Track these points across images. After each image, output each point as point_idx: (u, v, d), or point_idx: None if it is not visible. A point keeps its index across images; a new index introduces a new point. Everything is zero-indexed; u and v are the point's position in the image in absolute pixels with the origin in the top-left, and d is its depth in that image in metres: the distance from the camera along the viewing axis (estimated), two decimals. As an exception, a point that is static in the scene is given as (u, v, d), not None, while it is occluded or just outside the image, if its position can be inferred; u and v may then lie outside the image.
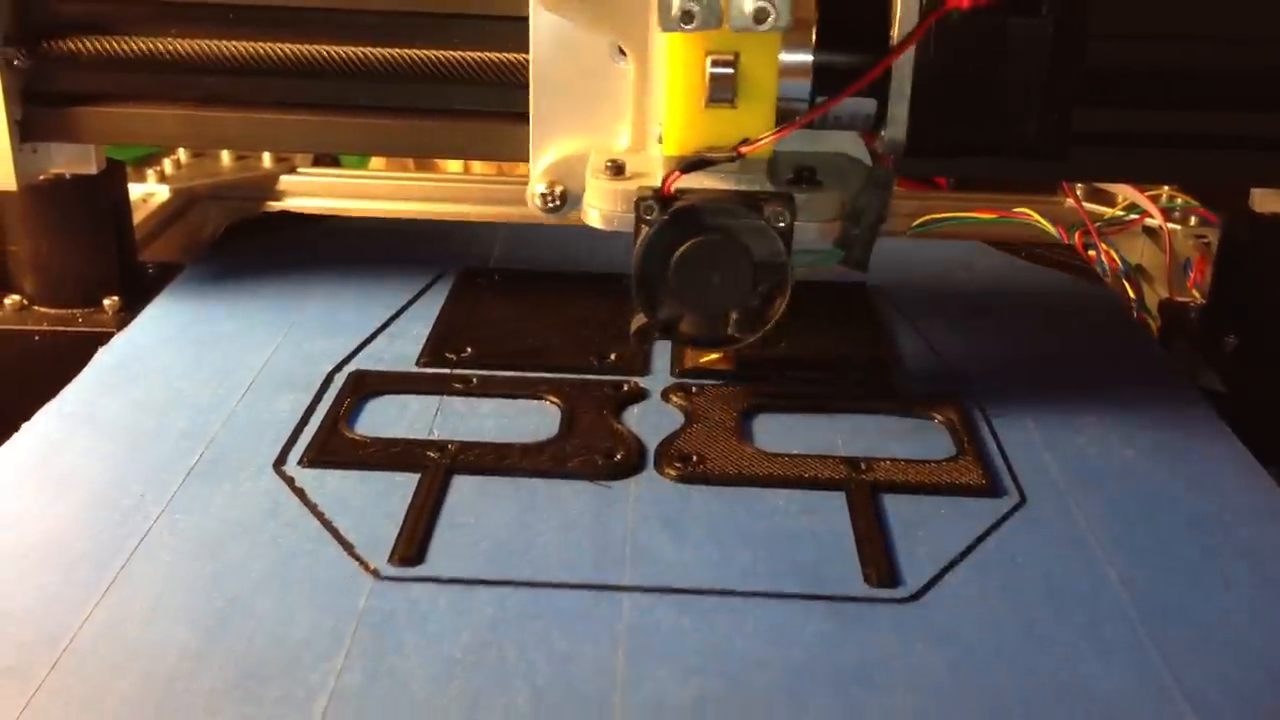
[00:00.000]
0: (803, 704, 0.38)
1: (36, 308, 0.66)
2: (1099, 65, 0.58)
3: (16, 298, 0.66)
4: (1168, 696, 0.39)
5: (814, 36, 0.49)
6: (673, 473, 0.50)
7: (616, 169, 0.53)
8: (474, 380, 0.57)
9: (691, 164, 0.50)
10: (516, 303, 0.66)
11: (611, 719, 0.37)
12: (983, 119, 0.49)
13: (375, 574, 0.43)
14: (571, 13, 0.54)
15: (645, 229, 0.50)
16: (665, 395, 0.56)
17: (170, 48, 0.61)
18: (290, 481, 0.48)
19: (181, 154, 0.93)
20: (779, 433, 0.54)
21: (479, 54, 0.61)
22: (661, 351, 0.60)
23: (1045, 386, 0.59)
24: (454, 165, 1.08)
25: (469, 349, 0.60)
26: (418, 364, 0.59)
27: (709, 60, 0.49)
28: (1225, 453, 0.54)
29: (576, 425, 0.53)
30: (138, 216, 0.78)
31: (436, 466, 0.49)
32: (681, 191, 0.50)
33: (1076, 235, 0.83)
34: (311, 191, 0.93)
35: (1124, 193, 0.88)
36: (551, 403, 0.55)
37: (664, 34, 0.48)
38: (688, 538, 0.46)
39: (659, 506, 0.48)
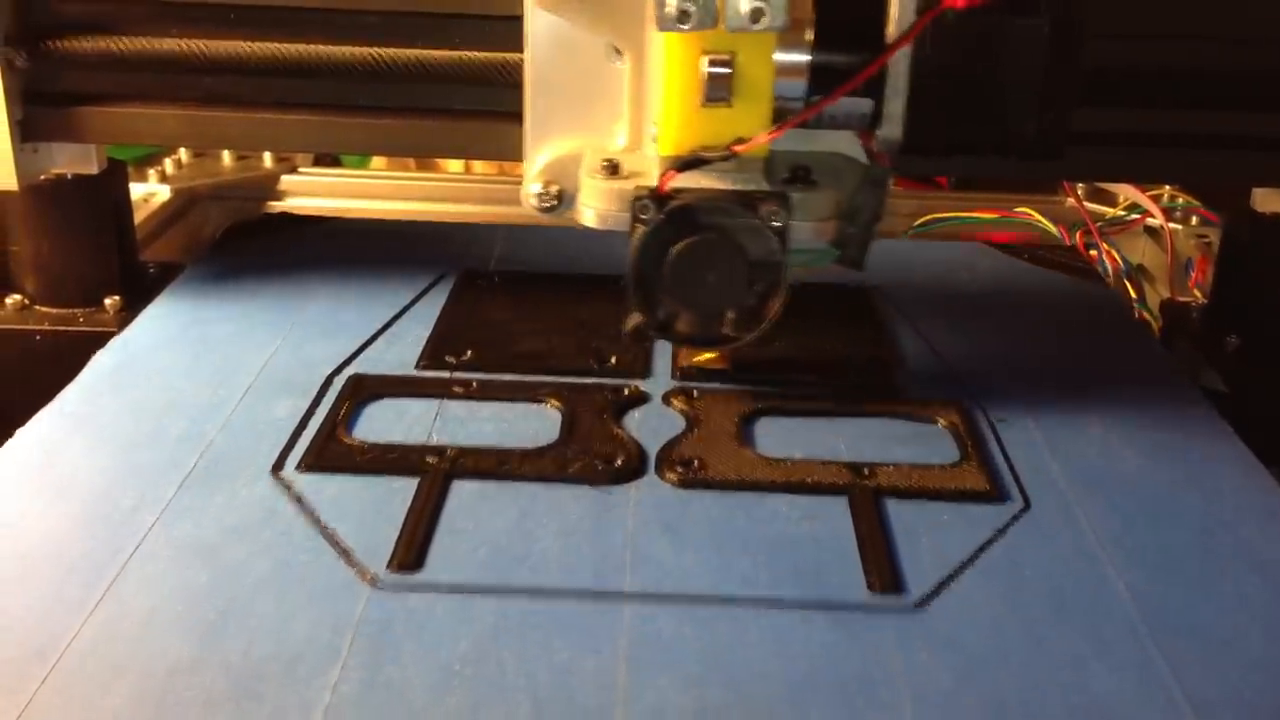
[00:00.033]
0: (805, 713, 0.37)
1: (38, 307, 0.66)
2: (1101, 65, 0.58)
3: (18, 297, 0.66)
4: (1173, 705, 0.38)
5: (810, 36, 0.49)
6: (673, 478, 0.49)
7: (612, 168, 0.53)
8: (474, 384, 0.56)
9: (687, 163, 0.50)
10: (517, 305, 0.65)
11: (612, 730, 0.37)
12: (979, 118, 0.49)
13: (373, 582, 0.42)
14: (568, 12, 0.54)
15: (641, 228, 0.50)
16: (666, 399, 0.56)
17: (171, 48, 0.61)
18: (288, 487, 0.48)
19: (182, 154, 0.93)
20: (781, 437, 0.53)
21: (480, 54, 0.60)
22: (662, 355, 0.59)
23: (1048, 388, 0.58)
24: (455, 165, 1.08)
25: (469, 352, 0.59)
26: (417, 367, 0.58)
27: (705, 60, 0.49)
28: (1227, 454, 0.54)
29: (577, 429, 0.52)
30: (139, 216, 0.78)
31: (435, 472, 0.49)
32: (677, 191, 0.50)
33: (1078, 235, 0.83)
34: (312, 191, 0.93)
35: (1125, 192, 0.88)
36: (552, 406, 0.55)
37: (660, 33, 0.48)
38: (689, 544, 0.45)
39: (660, 512, 0.47)
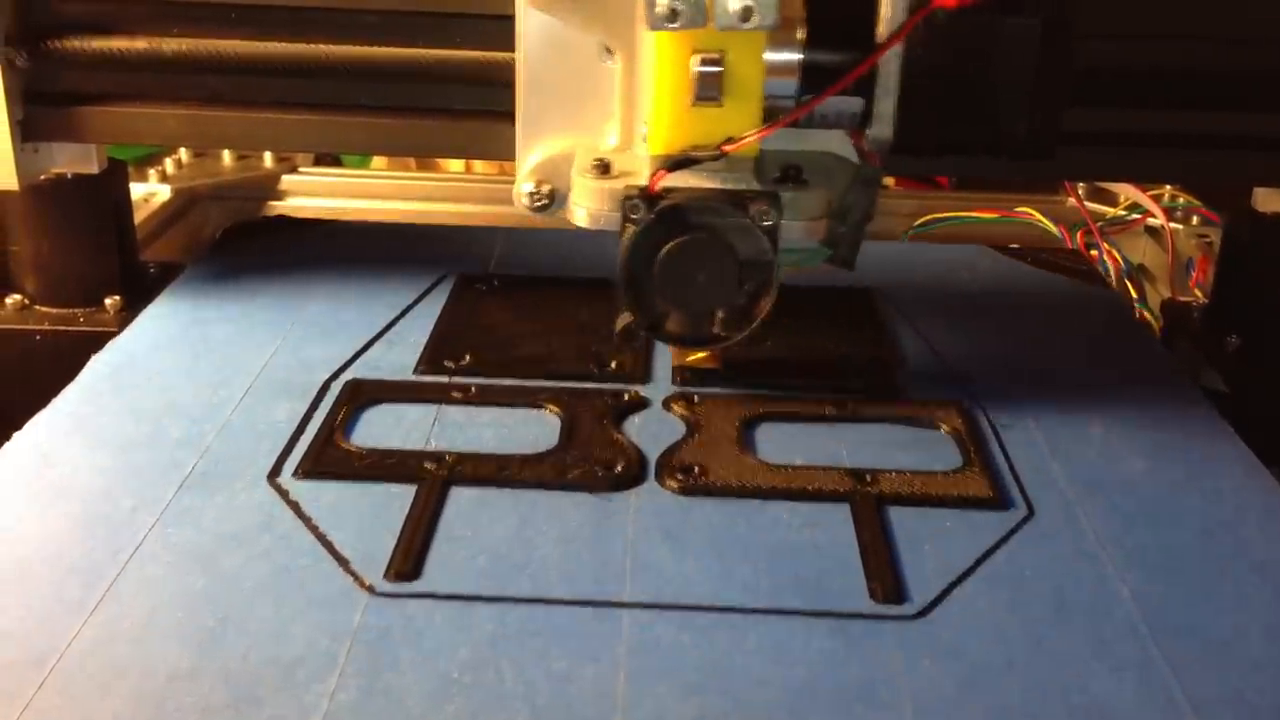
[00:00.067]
0: (806, 723, 0.37)
1: (38, 307, 0.66)
2: (1100, 65, 0.58)
3: (18, 297, 0.66)
4: (1174, 706, 0.38)
5: (801, 35, 0.49)
6: (674, 484, 0.49)
7: (603, 168, 0.53)
8: (472, 389, 0.56)
9: (677, 163, 0.50)
10: (516, 309, 0.65)
11: (612, 740, 0.36)
12: (970, 117, 0.49)
13: (371, 590, 0.42)
14: (559, 12, 0.54)
15: (631, 228, 0.50)
16: (666, 404, 0.55)
17: (172, 47, 0.61)
18: (285, 494, 0.47)
19: (183, 153, 0.93)
20: (782, 442, 0.53)
21: (480, 54, 0.60)
22: (662, 359, 0.59)
23: (1049, 390, 0.58)
24: (455, 165, 1.08)
25: (467, 356, 0.59)
26: (415, 372, 0.58)
27: (695, 59, 0.49)
28: (1228, 454, 0.54)
29: (576, 435, 0.52)
30: (139, 216, 0.78)
31: (434, 478, 0.48)
32: (667, 190, 0.50)
33: (1078, 235, 0.83)
34: (313, 191, 0.93)
35: (1126, 192, 0.88)
36: (551, 412, 0.54)
37: (650, 33, 0.48)
38: (689, 551, 0.45)
39: (660, 519, 0.47)
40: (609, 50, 0.54)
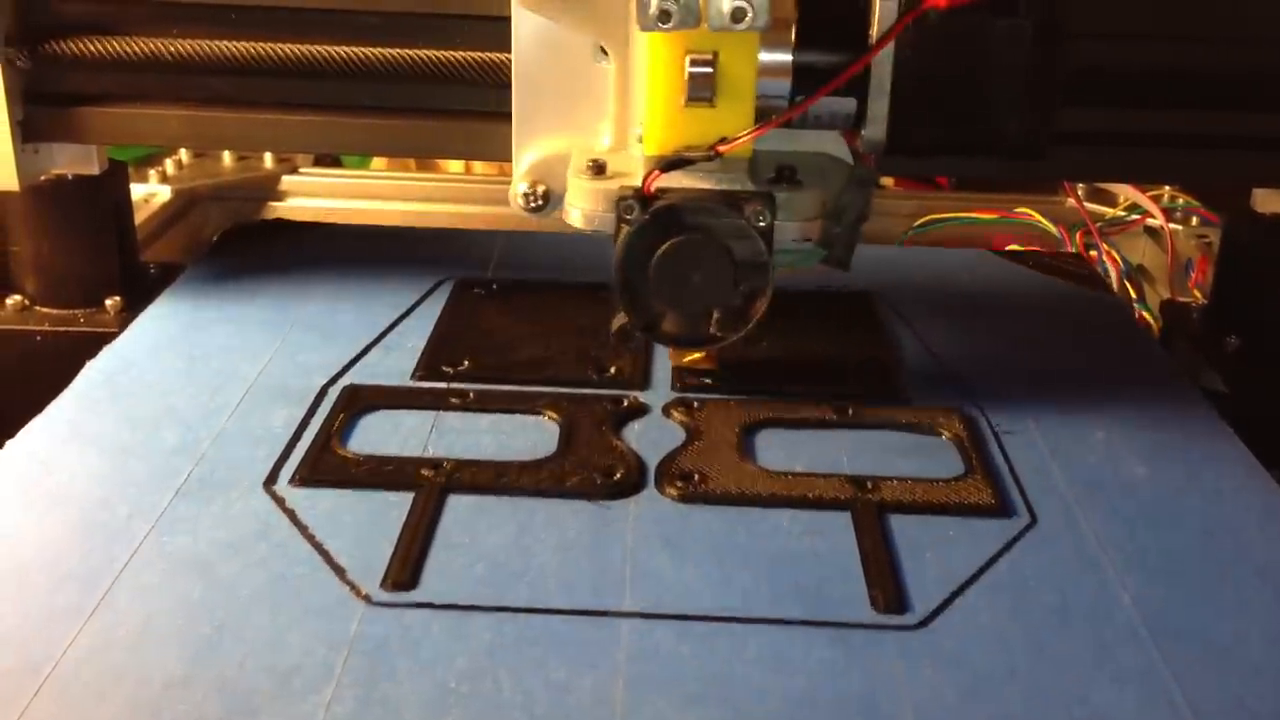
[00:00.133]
0: (806, 733, 0.37)
1: (38, 308, 0.66)
2: (1100, 65, 0.58)
3: (18, 298, 0.66)
4: (1175, 711, 0.38)
5: (793, 36, 0.49)
6: (673, 492, 0.49)
7: (598, 168, 0.53)
8: (471, 395, 0.55)
9: (671, 163, 0.50)
10: (514, 313, 0.65)
11: (610, 751, 0.36)
12: (963, 118, 0.49)
13: (367, 599, 0.42)
14: (552, 12, 0.54)
15: (626, 228, 0.50)
16: (666, 410, 0.55)
17: (172, 48, 0.61)
18: (281, 501, 0.47)
19: (183, 154, 0.93)
20: (782, 449, 0.52)
21: (480, 54, 0.60)
22: (662, 365, 0.59)
23: (1049, 393, 0.58)
24: (455, 165, 1.08)
25: (466, 362, 0.58)
26: (413, 377, 0.58)
27: (688, 59, 0.49)
28: (1228, 454, 0.53)
29: (575, 442, 0.52)
30: (139, 217, 0.78)
31: (431, 485, 0.48)
32: (662, 191, 0.50)
33: (1078, 235, 0.83)
34: (313, 192, 0.93)
35: (1125, 193, 0.88)
36: (550, 418, 0.54)
37: (643, 33, 0.48)
38: (688, 559, 0.45)
39: (659, 527, 0.47)
40: (603, 50, 0.54)
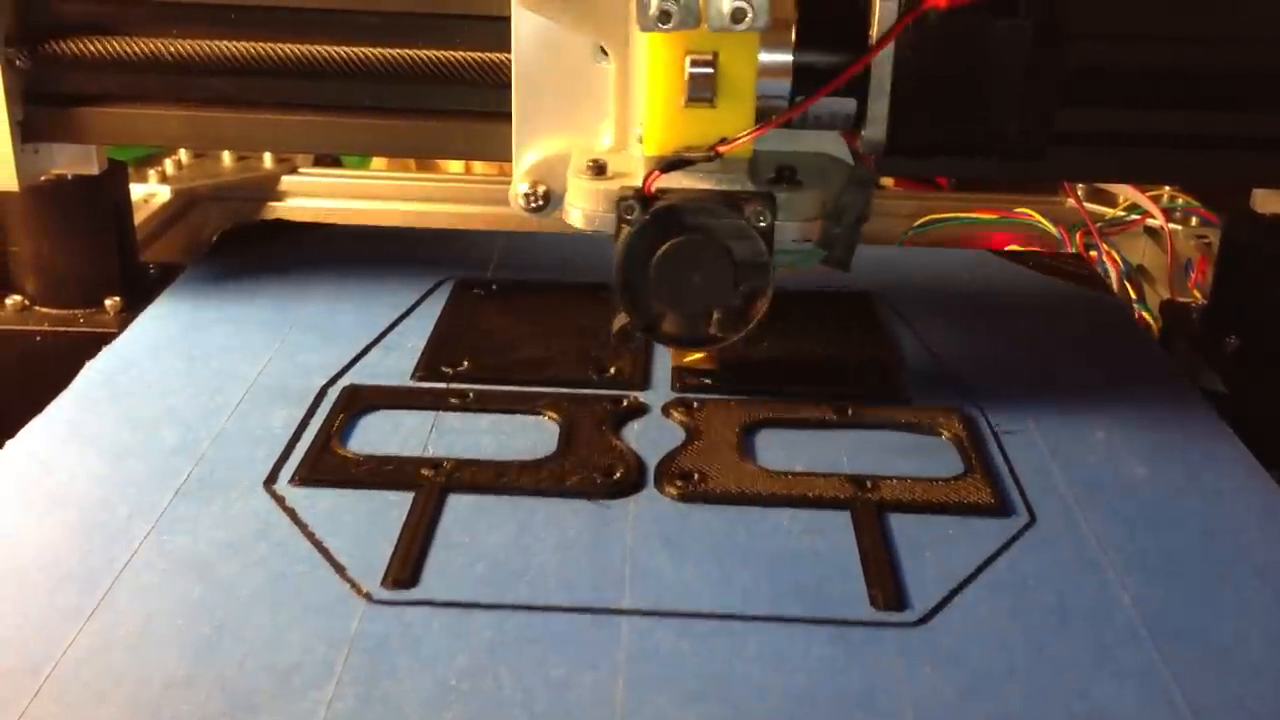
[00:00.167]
0: (806, 731, 0.37)
1: (38, 308, 0.66)
2: (1098, 65, 0.58)
3: (18, 298, 0.66)
4: (1175, 710, 0.38)
5: (793, 36, 0.49)
6: (673, 491, 0.49)
7: (598, 169, 0.53)
8: (470, 395, 0.56)
9: (671, 163, 0.50)
10: (514, 314, 0.65)
11: (610, 748, 0.36)
12: (962, 118, 0.49)
13: (368, 597, 0.42)
14: (552, 12, 0.54)
15: (626, 229, 0.50)
16: (666, 410, 0.55)
17: (172, 48, 0.61)
18: (281, 501, 0.47)
19: (183, 154, 0.93)
20: (782, 448, 0.52)
21: (480, 55, 0.60)
22: (662, 365, 0.59)
23: (1049, 393, 0.58)
24: (455, 165, 1.08)
25: (465, 362, 0.58)
26: (413, 377, 0.58)
27: (688, 60, 0.49)
28: (1227, 455, 0.54)
29: (575, 441, 0.52)
30: (139, 217, 0.78)
31: (431, 485, 0.48)
32: (663, 191, 0.50)
33: (1078, 236, 0.83)
34: (312, 192, 0.94)
35: (1125, 193, 0.88)
36: (550, 418, 0.54)
37: (644, 34, 0.48)
38: (688, 558, 0.45)
39: (659, 526, 0.47)
40: (603, 50, 0.54)
